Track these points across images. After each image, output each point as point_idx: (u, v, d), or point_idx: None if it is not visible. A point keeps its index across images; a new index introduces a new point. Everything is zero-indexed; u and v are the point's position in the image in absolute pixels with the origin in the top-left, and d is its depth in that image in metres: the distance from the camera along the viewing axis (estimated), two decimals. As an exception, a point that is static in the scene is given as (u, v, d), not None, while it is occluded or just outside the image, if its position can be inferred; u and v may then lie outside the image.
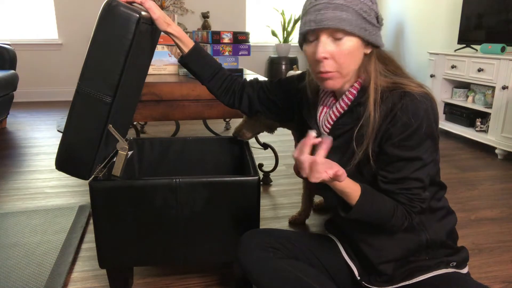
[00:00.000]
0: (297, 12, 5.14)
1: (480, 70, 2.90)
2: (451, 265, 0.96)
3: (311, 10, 0.86)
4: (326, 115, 1.00)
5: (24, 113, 4.10)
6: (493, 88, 2.87)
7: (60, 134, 3.21)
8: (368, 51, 0.91)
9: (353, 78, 0.93)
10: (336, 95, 1.00)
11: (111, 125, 1.06)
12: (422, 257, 0.96)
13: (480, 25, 3.20)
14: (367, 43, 0.89)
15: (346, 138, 0.94)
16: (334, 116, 0.98)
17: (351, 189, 0.87)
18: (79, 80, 0.98)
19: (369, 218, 0.91)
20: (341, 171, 0.79)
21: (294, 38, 5.17)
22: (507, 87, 2.68)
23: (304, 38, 0.91)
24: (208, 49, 1.75)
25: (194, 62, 1.18)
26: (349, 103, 0.95)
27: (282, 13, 5.05)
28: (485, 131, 2.97)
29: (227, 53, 1.81)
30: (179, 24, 2.72)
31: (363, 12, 0.85)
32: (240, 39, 1.81)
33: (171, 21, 1.13)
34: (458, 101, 3.27)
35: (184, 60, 1.18)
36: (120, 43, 0.96)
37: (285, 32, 5.11)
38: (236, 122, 3.56)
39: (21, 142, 3.05)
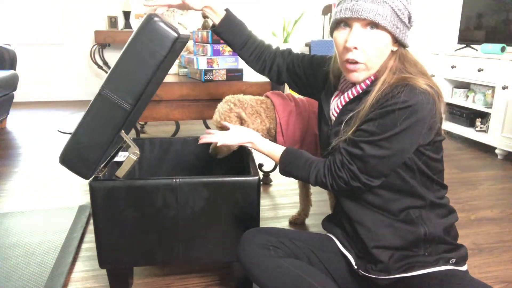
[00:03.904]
0: (297, 12, 5.14)
1: (480, 70, 2.90)
2: (450, 262, 0.96)
3: None
4: (337, 100, 1.04)
5: (24, 113, 4.10)
6: (493, 88, 2.87)
7: (60, 134, 3.21)
8: (395, 49, 0.93)
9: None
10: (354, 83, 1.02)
11: (123, 131, 1.07)
12: (421, 253, 0.96)
13: (480, 25, 3.20)
14: (395, 40, 0.91)
15: (349, 124, 0.96)
16: (344, 101, 1.01)
17: (269, 153, 1.08)
18: (103, 83, 1.00)
19: (291, 173, 1.04)
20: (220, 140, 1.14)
21: (294, 39, 5.17)
22: (507, 87, 2.68)
23: (337, 25, 0.93)
24: (208, 49, 1.75)
25: (226, 31, 1.21)
26: (360, 91, 0.97)
27: (282, 14, 5.05)
28: (485, 131, 2.97)
29: (227, 53, 1.82)
30: (179, 24, 2.72)
31: (398, 10, 0.87)
32: (240, 39, 1.81)
33: None
34: (458, 101, 3.27)
35: (217, 30, 1.22)
36: (153, 57, 0.98)
37: (285, 32, 5.11)
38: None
39: (21, 142, 3.05)
